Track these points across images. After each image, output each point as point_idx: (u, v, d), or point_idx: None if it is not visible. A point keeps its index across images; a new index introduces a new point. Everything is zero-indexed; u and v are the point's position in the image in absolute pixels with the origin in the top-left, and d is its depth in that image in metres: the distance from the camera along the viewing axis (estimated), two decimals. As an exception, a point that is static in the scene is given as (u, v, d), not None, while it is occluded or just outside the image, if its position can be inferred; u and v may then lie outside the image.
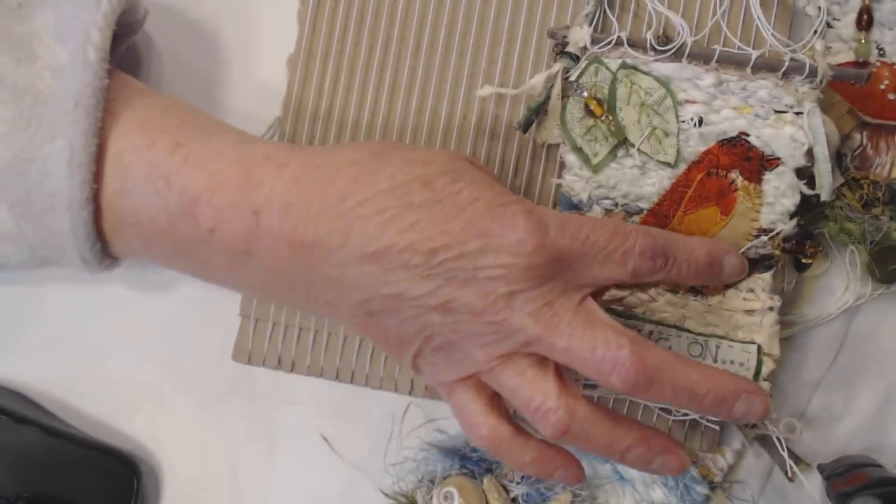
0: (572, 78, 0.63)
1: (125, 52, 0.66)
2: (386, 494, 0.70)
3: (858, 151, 0.67)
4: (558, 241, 0.53)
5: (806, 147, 0.61)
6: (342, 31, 0.67)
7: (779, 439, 0.65)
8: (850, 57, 0.67)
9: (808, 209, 0.65)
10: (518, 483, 0.67)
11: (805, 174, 0.62)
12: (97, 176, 0.52)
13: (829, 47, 0.67)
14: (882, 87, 0.66)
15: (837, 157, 0.65)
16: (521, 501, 0.68)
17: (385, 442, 0.70)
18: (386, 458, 0.70)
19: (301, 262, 0.52)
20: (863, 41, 0.66)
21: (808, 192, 0.62)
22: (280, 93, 0.68)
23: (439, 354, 0.56)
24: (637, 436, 0.56)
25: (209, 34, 0.70)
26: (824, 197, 0.62)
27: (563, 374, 0.55)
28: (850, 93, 0.66)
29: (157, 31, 0.69)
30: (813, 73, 0.61)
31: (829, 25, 0.66)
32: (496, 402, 0.58)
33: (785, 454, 0.64)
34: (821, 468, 0.68)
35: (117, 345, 0.70)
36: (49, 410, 0.70)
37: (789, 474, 0.65)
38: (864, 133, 0.67)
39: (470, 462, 0.68)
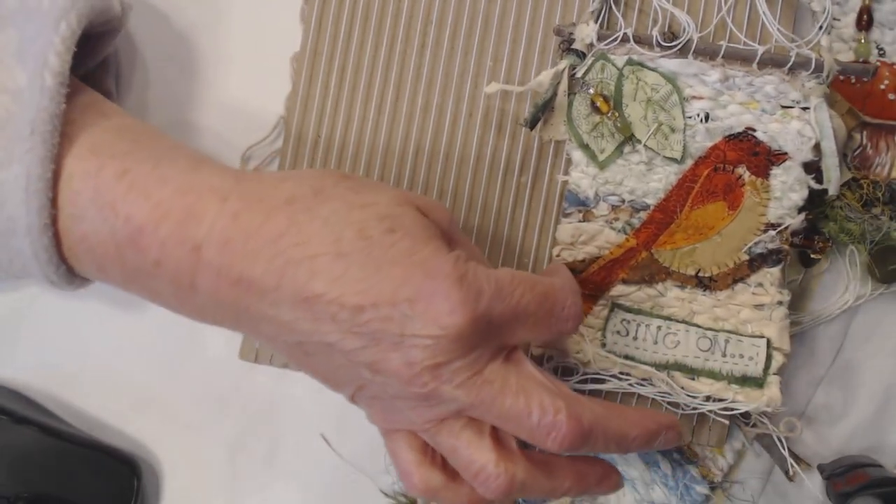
0: (578, 75, 0.63)
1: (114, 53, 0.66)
2: (386, 494, 0.70)
3: (858, 151, 0.67)
4: (490, 308, 0.51)
5: (813, 142, 0.62)
6: (347, 30, 0.67)
7: (779, 439, 0.65)
8: (850, 57, 0.67)
9: (816, 205, 0.65)
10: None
11: (812, 169, 0.63)
12: (53, 201, 0.51)
13: (831, 46, 0.67)
14: (882, 87, 0.67)
15: (841, 156, 0.66)
16: (521, 501, 0.68)
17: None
18: (386, 458, 0.70)
19: (240, 298, 0.51)
20: (863, 41, 0.67)
21: (816, 186, 0.62)
22: (282, 92, 0.68)
23: (374, 403, 0.55)
24: (573, 478, 0.57)
25: (206, 34, 0.70)
26: (832, 191, 0.62)
27: (500, 434, 0.55)
28: (850, 93, 0.66)
29: (149, 32, 0.70)
30: (819, 67, 0.61)
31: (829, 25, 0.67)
32: (430, 450, 0.57)
33: (785, 453, 0.65)
34: (821, 468, 0.68)
35: (117, 344, 0.70)
36: (49, 410, 0.70)
37: (790, 474, 0.65)
38: (864, 133, 0.67)
39: (470, 463, 0.68)
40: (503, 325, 0.52)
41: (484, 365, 0.52)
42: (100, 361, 0.70)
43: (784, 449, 0.65)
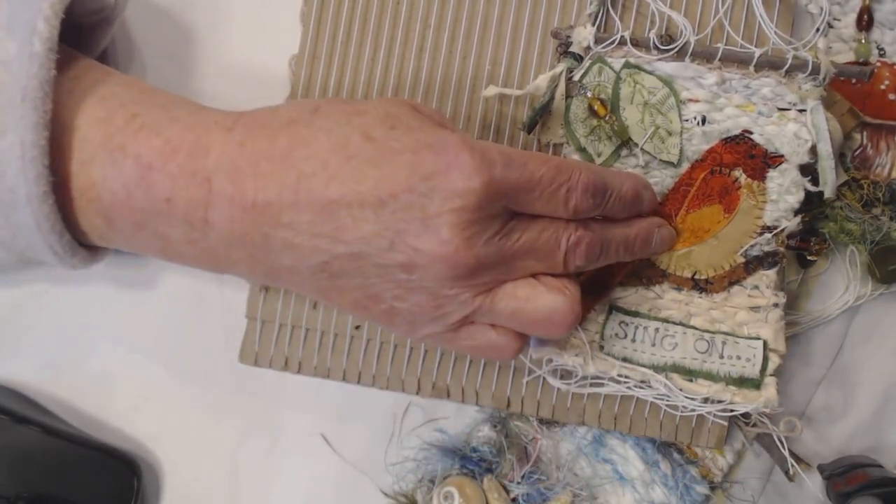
0: (576, 78, 0.63)
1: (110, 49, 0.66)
2: (386, 494, 0.70)
3: (858, 151, 0.67)
4: (505, 175, 0.52)
5: (809, 144, 0.62)
6: (346, 33, 0.67)
7: (779, 439, 0.65)
8: (851, 57, 0.67)
9: (812, 206, 0.65)
10: (518, 483, 0.67)
11: (809, 171, 0.63)
12: (62, 151, 0.52)
13: (830, 47, 0.67)
14: (882, 87, 0.67)
15: (840, 157, 0.65)
16: (521, 501, 0.68)
17: (385, 442, 0.69)
18: (386, 458, 0.70)
19: (256, 226, 0.52)
20: (863, 41, 0.67)
21: (812, 188, 0.63)
22: (281, 94, 0.68)
23: (421, 313, 0.55)
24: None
25: (208, 34, 0.70)
26: (828, 194, 0.62)
27: None
28: (850, 92, 0.66)
29: (149, 31, 0.70)
30: (816, 70, 0.61)
31: (829, 26, 0.67)
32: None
33: (785, 453, 0.65)
34: (821, 468, 0.68)
35: (117, 345, 0.70)
36: (49, 410, 0.70)
37: (790, 473, 0.65)
38: (864, 133, 0.67)
39: (470, 462, 0.68)
40: (519, 194, 0.53)
41: (505, 225, 0.53)
42: (100, 361, 0.70)
43: (784, 449, 0.65)
